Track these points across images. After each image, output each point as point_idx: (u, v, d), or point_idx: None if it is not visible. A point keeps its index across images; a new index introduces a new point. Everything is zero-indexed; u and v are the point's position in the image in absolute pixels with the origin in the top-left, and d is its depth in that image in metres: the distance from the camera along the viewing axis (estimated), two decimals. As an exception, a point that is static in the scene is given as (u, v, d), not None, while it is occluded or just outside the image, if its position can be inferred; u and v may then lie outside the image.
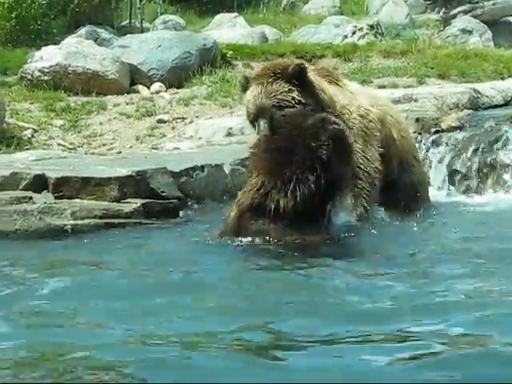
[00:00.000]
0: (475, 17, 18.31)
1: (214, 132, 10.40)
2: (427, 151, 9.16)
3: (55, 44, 13.23)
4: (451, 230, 6.64)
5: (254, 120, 6.64)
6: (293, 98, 6.49)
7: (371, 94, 7.88)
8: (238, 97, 10.67)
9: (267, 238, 5.58)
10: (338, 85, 7.09)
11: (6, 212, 6.88)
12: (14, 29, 15.88)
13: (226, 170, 8.10)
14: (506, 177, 8.65)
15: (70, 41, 13.26)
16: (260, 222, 5.62)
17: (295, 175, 5.49)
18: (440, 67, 13.56)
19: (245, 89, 6.85)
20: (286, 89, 6.51)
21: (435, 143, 9.22)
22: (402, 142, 7.47)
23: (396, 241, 6.37)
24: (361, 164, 6.72)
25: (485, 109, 11.05)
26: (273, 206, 5.49)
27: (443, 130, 9.45)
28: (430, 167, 8.96)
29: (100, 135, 10.78)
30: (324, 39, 16.81)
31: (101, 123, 11.10)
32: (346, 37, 17.01)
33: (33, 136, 10.43)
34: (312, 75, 6.74)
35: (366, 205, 6.74)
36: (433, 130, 9.48)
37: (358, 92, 7.26)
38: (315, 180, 5.48)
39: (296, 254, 5.46)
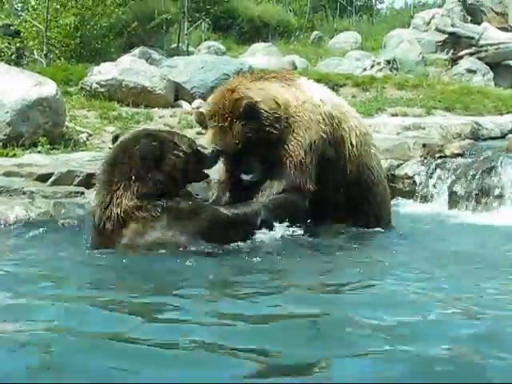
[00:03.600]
0: (479, 59, 18.18)
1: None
2: (432, 174, 9.11)
3: (112, 61, 13.28)
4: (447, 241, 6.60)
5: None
6: (248, 133, 5.91)
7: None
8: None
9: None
10: (287, 84, 6.33)
11: (61, 204, 6.90)
12: (77, 46, 16.02)
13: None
14: (499, 200, 8.58)
15: (125, 59, 13.31)
16: None
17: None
18: (446, 101, 13.48)
19: (201, 124, 6.25)
20: (242, 129, 5.91)
21: (439, 167, 9.16)
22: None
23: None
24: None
25: (484, 140, 10.95)
26: None
27: (446, 156, 9.39)
28: (434, 188, 8.92)
29: (146, 142, 10.78)
30: (346, 70, 16.75)
31: (147, 132, 11.10)
32: (365, 69, 16.97)
33: (88, 139, 10.46)
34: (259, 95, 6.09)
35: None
36: (437, 155, 9.42)
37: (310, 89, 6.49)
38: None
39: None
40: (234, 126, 5.90)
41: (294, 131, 6.16)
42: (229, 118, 5.91)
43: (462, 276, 4.90)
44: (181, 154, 5.59)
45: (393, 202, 7.49)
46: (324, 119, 6.30)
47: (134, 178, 5.36)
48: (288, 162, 6.08)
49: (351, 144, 6.43)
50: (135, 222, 5.34)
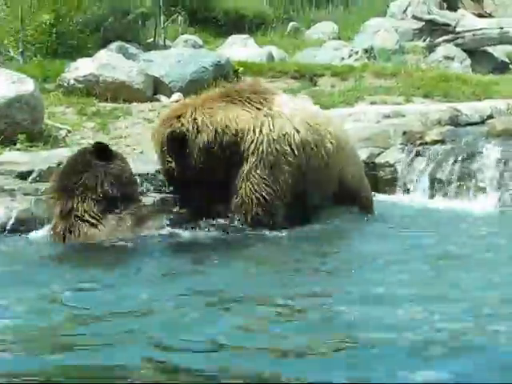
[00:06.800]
0: (457, 46, 18.26)
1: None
2: (412, 161, 9.15)
3: (89, 57, 13.21)
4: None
5: None
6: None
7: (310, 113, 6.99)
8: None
9: None
10: (257, 108, 6.51)
11: (43, 201, 6.87)
12: (54, 43, 15.87)
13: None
14: (481, 185, 8.63)
15: (102, 54, 13.22)
16: None
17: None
18: (425, 88, 13.52)
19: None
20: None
21: (419, 154, 9.20)
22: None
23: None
24: (255, 188, 6.37)
25: (463, 126, 11.01)
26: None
27: (427, 143, 9.44)
28: (415, 175, 8.96)
29: (125, 137, 10.74)
30: (324, 60, 16.74)
31: (126, 127, 11.06)
32: (343, 59, 16.97)
33: (67, 136, 10.40)
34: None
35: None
36: (417, 142, 9.47)
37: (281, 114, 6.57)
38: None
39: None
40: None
41: (256, 166, 6.33)
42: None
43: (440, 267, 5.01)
44: None
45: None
46: (294, 150, 6.47)
47: None
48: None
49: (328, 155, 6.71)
50: None
